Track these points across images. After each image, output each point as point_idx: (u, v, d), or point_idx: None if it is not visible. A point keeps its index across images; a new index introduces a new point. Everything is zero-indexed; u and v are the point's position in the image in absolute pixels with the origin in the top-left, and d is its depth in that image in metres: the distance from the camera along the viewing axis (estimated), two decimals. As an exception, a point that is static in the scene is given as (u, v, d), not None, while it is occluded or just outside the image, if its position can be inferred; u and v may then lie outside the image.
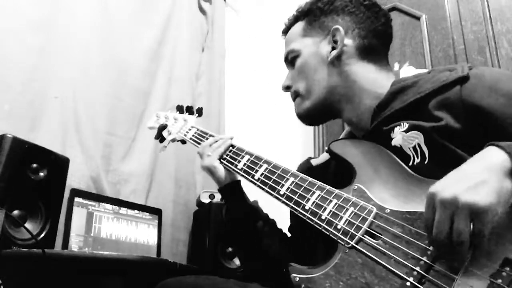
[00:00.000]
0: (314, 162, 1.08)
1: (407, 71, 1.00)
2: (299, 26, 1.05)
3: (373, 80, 0.98)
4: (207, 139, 1.19)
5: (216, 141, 1.15)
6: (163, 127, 1.32)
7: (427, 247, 0.71)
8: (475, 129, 0.79)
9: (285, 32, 1.10)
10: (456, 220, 0.63)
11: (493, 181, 0.64)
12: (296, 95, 1.04)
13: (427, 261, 0.70)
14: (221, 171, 1.11)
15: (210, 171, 1.13)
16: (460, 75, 0.84)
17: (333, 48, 0.99)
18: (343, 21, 1.00)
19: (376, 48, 1.01)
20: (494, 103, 0.77)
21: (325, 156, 1.10)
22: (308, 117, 1.05)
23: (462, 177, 0.66)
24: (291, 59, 1.05)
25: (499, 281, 0.62)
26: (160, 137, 1.33)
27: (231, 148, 1.12)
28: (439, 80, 0.86)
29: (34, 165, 1.35)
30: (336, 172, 1.03)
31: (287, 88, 1.06)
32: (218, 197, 1.95)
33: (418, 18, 1.95)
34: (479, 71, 0.84)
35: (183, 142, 1.29)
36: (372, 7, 1.03)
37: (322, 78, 0.99)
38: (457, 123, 0.80)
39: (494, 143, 0.68)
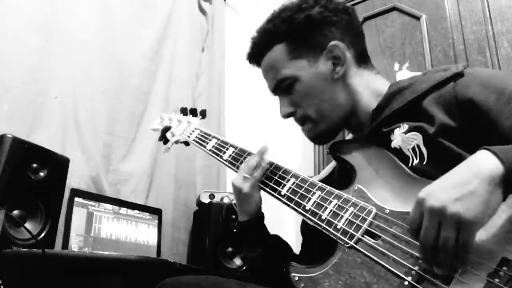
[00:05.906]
0: (317, 178, 1.02)
1: (403, 75, 1.00)
2: (280, 49, 0.98)
3: (372, 87, 0.98)
4: (210, 140, 1.18)
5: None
6: (166, 129, 1.32)
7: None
8: (469, 126, 0.79)
9: (255, 60, 1.06)
10: (443, 229, 0.63)
11: (481, 191, 0.63)
12: (305, 120, 0.99)
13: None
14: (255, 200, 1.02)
15: (242, 197, 1.03)
16: (455, 71, 0.85)
17: (334, 64, 0.96)
18: (332, 34, 0.96)
19: (364, 50, 1.01)
20: (486, 99, 0.78)
21: (326, 171, 1.10)
22: (324, 138, 1.02)
23: (451, 185, 0.65)
24: (286, 86, 0.98)
25: (497, 280, 0.63)
26: (163, 139, 1.33)
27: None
28: (434, 79, 0.87)
29: (34, 165, 1.35)
30: (339, 180, 1.03)
31: (289, 115, 1.01)
32: (218, 197, 1.95)
33: (418, 18, 1.95)
34: (473, 70, 0.86)
35: (186, 143, 1.29)
36: (346, 9, 1.00)
37: (330, 97, 0.96)
38: (451, 120, 0.80)
39: (486, 147, 0.67)
